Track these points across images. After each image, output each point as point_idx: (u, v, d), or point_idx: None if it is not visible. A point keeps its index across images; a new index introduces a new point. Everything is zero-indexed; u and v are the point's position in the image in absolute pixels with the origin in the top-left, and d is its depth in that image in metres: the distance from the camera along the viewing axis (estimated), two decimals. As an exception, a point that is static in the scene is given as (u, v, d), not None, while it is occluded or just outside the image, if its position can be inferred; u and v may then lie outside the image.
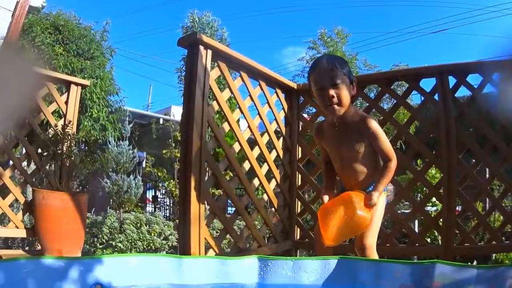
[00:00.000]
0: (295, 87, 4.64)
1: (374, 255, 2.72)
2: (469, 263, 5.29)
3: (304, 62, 14.79)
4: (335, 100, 2.70)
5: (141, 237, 6.98)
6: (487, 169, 4.68)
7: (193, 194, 3.12)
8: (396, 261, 2.15)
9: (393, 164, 2.76)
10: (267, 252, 3.88)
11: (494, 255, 5.42)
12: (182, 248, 3.16)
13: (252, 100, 4.02)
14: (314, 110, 7.26)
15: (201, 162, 3.20)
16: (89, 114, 10.31)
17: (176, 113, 17.30)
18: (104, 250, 6.65)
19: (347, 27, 14.65)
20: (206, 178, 3.36)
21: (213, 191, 4.36)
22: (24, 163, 5.46)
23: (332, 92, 2.68)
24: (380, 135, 2.78)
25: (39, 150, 5.20)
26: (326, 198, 2.83)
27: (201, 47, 3.26)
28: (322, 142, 3.05)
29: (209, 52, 3.37)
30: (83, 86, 5.50)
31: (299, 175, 4.62)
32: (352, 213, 2.57)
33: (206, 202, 3.39)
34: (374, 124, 2.79)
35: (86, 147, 10.86)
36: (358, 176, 2.87)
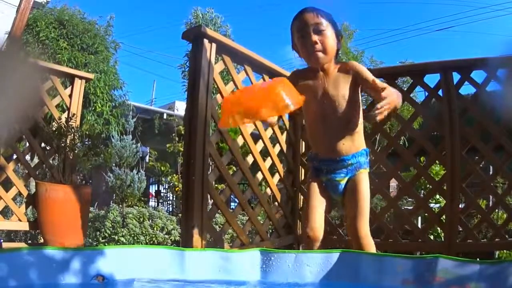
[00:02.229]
0: (299, 81, 4.63)
1: (371, 244, 2.63)
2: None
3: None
4: (319, 46, 2.54)
5: (144, 231, 6.99)
6: (490, 167, 4.68)
7: (196, 188, 3.11)
8: (398, 256, 2.15)
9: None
10: (269, 246, 3.88)
11: (497, 252, 5.42)
12: (185, 243, 3.16)
13: (256, 93, 4.01)
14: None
15: (204, 155, 3.19)
16: (93, 108, 10.35)
17: (180, 108, 17.34)
18: (106, 244, 6.66)
19: (352, 23, 14.55)
20: (209, 172, 3.37)
21: (216, 185, 4.38)
22: (28, 157, 5.46)
23: (315, 38, 2.53)
24: (366, 70, 2.63)
25: (43, 144, 5.21)
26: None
27: (206, 41, 3.25)
28: (301, 88, 2.67)
29: (214, 45, 3.36)
30: (87, 80, 5.49)
31: (303, 170, 4.61)
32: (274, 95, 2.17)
33: (209, 196, 3.39)
34: (357, 63, 2.72)
35: (90, 141, 10.89)
36: (340, 136, 2.65)
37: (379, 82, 2.44)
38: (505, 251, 5.24)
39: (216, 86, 3.48)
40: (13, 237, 5.79)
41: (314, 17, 2.56)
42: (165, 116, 16.30)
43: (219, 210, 3.59)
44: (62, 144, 4.75)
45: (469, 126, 4.04)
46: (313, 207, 2.71)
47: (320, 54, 2.55)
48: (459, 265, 2.03)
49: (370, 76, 2.54)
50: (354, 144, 2.68)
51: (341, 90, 2.62)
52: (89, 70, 10.20)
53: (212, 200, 3.50)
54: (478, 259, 4.88)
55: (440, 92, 4.07)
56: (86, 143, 8.24)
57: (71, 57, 10.14)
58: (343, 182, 2.73)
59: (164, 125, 15.41)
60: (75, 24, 10.83)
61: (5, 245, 4.63)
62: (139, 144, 9.27)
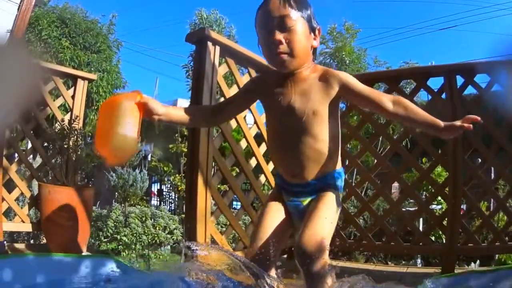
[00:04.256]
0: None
1: (324, 276, 1.86)
2: (473, 263, 5.31)
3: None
4: (283, 47, 2.00)
5: (146, 231, 6.99)
6: (492, 169, 4.67)
7: (200, 190, 3.12)
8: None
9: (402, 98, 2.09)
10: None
11: (497, 255, 5.43)
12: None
13: (260, 96, 4.01)
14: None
15: (208, 158, 3.20)
16: (96, 107, 10.35)
17: (182, 106, 17.36)
18: (108, 244, 6.66)
19: (355, 22, 14.52)
20: (212, 175, 3.37)
21: (218, 186, 4.40)
22: (30, 157, 5.46)
23: (279, 36, 1.99)
24: (358, 82, 2.11)
25: (45, 144, 5.21)
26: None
27: (209, 43, 3.26)
28: (260, 97, 2.33)
29: (217, 48, 3.36)
30: (90, 80, 5.49)
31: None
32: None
33: (212, 198, 3.40)
34: (344, 74, 2.12)
35: (92, 140, 10.88)
36: (306, 159, 2.10)
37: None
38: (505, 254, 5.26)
39: (220, 88, 3.48)
40: (15, 238, 5.80)
41: (279, 7, 2.02)
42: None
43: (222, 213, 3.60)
44: (65, 146, 4.75)
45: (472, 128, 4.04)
46: (263, 225, 2.14)
47: (285, 57, 2.03)
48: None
49: (365, 89, 2.10)
50: (324, 167, 2.14)
51: (312, 103, 2.08)
52: (92, 69, 10.22)
53: (215, 201, 3.51)
54: (478, 262, 4.89)
55: (443, 96, 4.07)
56: (89, 141, 8.26)
57: (74, 56, 10.15)
58: (306, 203, 2.18)
59: (166, 123, 15.42)
60: (78, 23, 10.83)
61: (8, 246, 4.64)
62: (142, 143, 9.27)
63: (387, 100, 2.05)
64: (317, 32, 2.13)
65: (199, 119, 2.34)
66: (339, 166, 2.23)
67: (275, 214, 2.20)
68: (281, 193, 2.28)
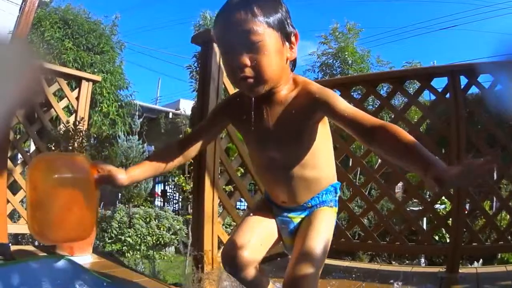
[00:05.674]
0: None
1: None
2: (476, 262, 5.32)
3: (315, 57, 14.69)
4: (249, 72, 1.55)
5: (150, 231, 7.02)
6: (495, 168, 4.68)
7: (207, 191, 3.14)
8: None
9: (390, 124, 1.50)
10: (278, 249, 3.88)
11: (499, 254, 5.44)
12: (196, 245, 3.18)
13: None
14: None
15: (215, 160, 3.22)
16: (99, 108, 10.36)
17: (185, 106, 17.37)
18: (113, 245, 6.68)
19: (356, 22, 14.53)
20: (219, 176, 3.39)
21: (223, 187, 4.37)
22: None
23: (244, 58, 1.53)
24: (340, 101, 1.61)
25: (49, 146, 5.23)
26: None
27: (215, 45, 3.27)
28: (233, 122, 1.92)
29: (223, 49, 3.37)
30: (94, 82, 5.49)
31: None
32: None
33: (219, 200, 3.41)
34: (328, 93, 1.65)
35: (97, 142, 10.90)
36: (293, 185, 1.82)
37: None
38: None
39: (226, 89, 3.50)
40: (20, 240, 5.81)
41: (241, 19, 1.54)
42: (170, 116, 16.35)
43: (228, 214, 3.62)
44: (70, 147, 4.76)
45: (475, 128, 4.06)
46: (251, 226, 1.93)
47: (252, 83, 1.59)
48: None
49: (346, 110, 1.59)
50: (316, 187, 1.87)
51: (292, 131, 1.73)
52: (95, 70, 10.26)
53: (220, 200, 3.52)
54: (481, 261, 4.88)
55: (447, 96, 4.08)
56: (94, 143, 8.29)
57: (77, 57, 10.17)
58: (297, 221, 1.91)
59: (170, 124, 15.44)
60: (80, 24, 10.85)
61: (13, 248, 4.65)
62: (145, 144, 9.30)
63: (368, 125, 1.52)
64: (293, 38, 1.66)
65: (170, 162, 1.81)
66: (334, 181, 1.94)
67: (259, 223, 1.95)
68: (270, 206, 2.00)
